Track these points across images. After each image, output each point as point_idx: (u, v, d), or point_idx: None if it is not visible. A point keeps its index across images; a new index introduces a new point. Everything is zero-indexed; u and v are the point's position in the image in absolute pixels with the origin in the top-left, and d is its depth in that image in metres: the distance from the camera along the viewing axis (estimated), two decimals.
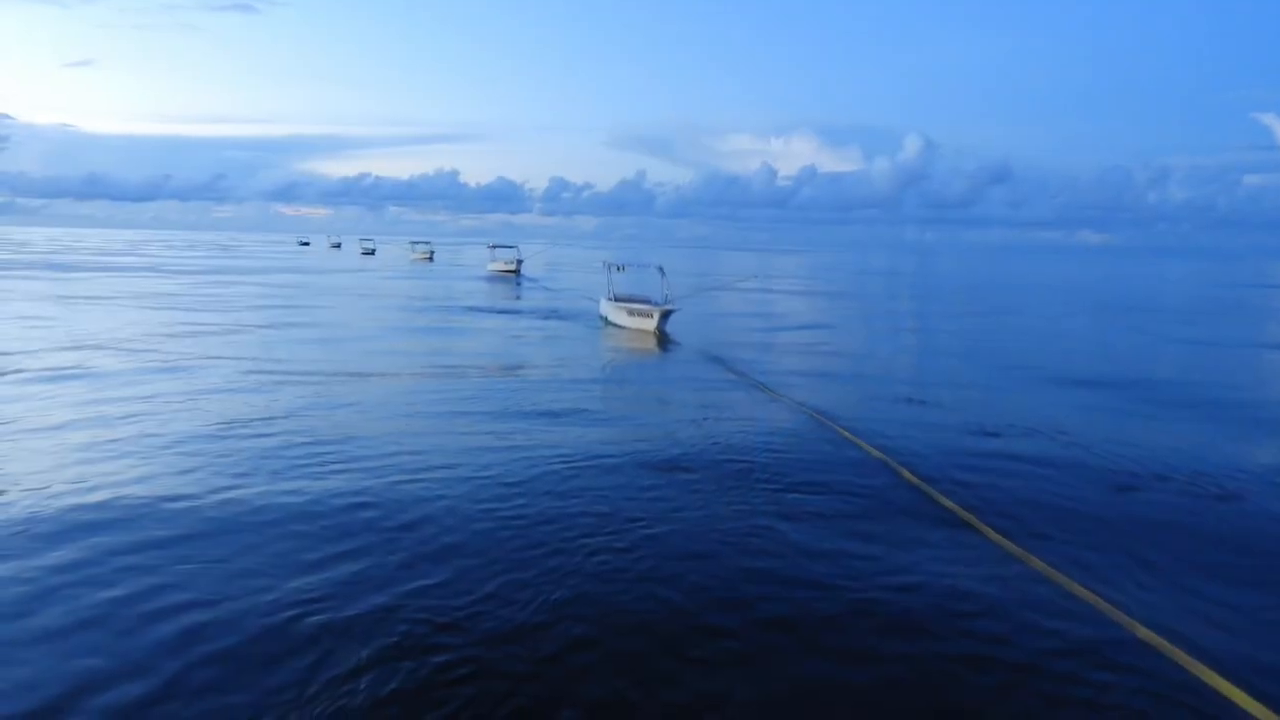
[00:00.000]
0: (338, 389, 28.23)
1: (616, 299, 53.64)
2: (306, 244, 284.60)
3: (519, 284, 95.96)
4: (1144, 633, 12.00)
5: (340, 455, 19.90)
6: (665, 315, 48.08)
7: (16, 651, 10.94)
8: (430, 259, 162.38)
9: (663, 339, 45.33)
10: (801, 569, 13.92)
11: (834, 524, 16.24)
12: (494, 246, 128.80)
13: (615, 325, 51.20)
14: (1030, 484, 19.16)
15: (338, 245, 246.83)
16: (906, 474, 19.13)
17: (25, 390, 27.17)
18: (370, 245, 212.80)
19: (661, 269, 56.75)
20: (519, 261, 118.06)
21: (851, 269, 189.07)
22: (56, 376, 29.66)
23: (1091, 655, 11.52)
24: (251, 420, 23.29)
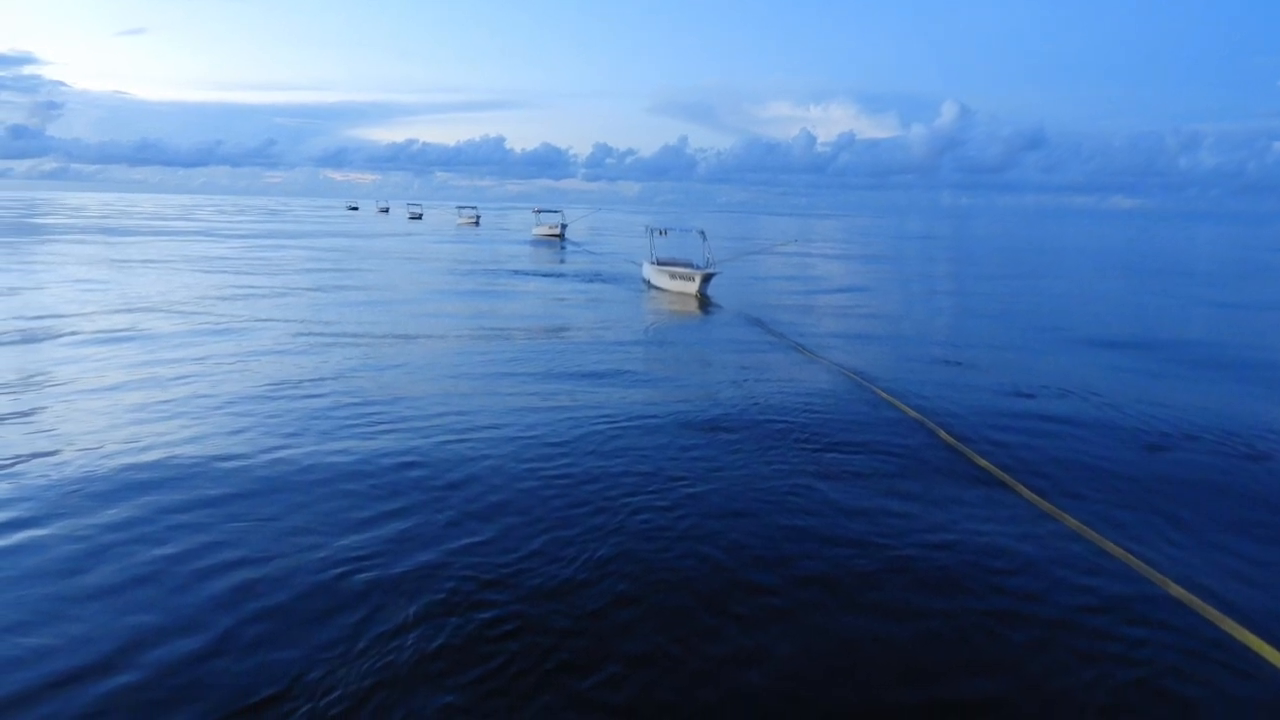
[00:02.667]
0: (386, 351, 28.53)
1: (659, 263, 53.67)
2: (355, 209, 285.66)
3: (563, 248, 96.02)
4: (1175, 589, 12.04)
5: (388, 416, 20.15)
6: (706, 278, 48.14)
7: (72, 607, 11.24)
8: (476, 224, 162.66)
9: (704, 302, 45.39)
10: (840, 527, 14.04)
11: (871, 483, 16.33)
12: (539, 211, 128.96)
13: (657, 288, 51.30)
14: (1063, 444, 19.17)
15: (386, 210, 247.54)
16: (943, 434, 19.17)
17: (80, 352, 27.64)
18: (418, 210, 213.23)
19: (703, 233, 56.62)
20: (563, 226, 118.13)
21: (888, 233, 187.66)
22: (110, 338, 30.14)
23: (1124, 611, 11.58)
24: (301, 381, 23.60)
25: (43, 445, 17.79)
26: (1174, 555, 13.39)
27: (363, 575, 12.08)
